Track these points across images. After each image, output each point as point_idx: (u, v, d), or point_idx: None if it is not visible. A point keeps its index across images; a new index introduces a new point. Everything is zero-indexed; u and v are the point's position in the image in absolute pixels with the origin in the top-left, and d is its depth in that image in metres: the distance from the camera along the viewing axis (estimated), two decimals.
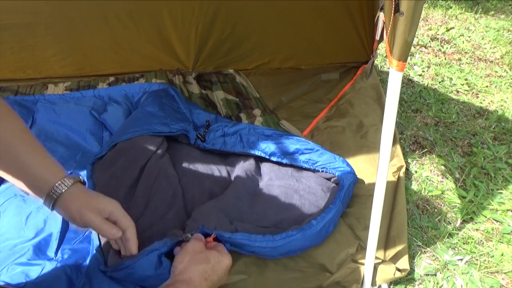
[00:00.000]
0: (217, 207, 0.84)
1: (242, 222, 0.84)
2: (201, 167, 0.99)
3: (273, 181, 0.98)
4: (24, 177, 0.62)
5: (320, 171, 1.00)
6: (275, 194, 0.95)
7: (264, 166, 1.04)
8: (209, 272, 0.65)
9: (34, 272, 0.73)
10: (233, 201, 0.89)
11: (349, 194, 0.96)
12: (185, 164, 0.98)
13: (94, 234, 0.80)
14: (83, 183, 0.69)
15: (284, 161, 1.01)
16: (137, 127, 0.96)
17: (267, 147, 1.02)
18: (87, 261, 0.76)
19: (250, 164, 1.02)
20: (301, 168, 1.03)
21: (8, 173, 0.63)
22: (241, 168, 1.01)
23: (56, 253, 0.78)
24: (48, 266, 0.74)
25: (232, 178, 1.00)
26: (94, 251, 0.77)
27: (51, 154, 0.66)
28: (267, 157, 1.02)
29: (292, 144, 1.03)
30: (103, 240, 0.76)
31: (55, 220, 0.83)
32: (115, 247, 0.74)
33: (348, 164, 0.99)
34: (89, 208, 0.64)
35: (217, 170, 1.00)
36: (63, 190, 0.62)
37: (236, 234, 0.77)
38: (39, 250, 0.77)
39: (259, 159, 1.06)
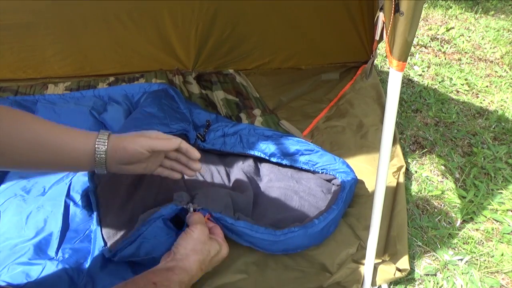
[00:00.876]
0: (227, 195, 0.85)
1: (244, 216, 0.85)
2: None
3: (273, 182, 0.98)
4: (65, 160, 0.63)
5: (320, 172, 1.00)
6: (274, 195, 0.95)
7: (264, 167, 1.04)
8: (207, 263, 0.68)
9: (35, 271, 0.73)
10: (240, 196, 0.89)
11: (351, 196, 0.96)
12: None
13: (94, 233, 0.80)
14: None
15: (284, 162, 1.01)
16: (137, 127, 0.96)
17: (267, 147, 1.02)
18: (88, 261, 0.76)
19: (249, 165, 1.02)
20: (300, 170, 1.03)
21: (49, 165, 0.64)
22: (240, 169, 1.01)
23: (56, 252, 0.78)
24: (49, 266, 0.74)
25: (231, 178, 1.00)
26: (95, 247, 0.78)
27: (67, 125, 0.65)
28: (267, 158, 1.02)
29: (292, 145, 1.02)
30: (105, 234, 0.77)
31: (55, 220, 0.84)
32: (166, 174, 0.75)
33: (348, 166, 0.99)
34: (141, 136, 0.67)
35: (216, 170, 1.00)
36: (106, 146, 0.63)
37: (239, 222, 0.78)
38: (40, 249, 0.77)
39: (258, 160, 1.06)
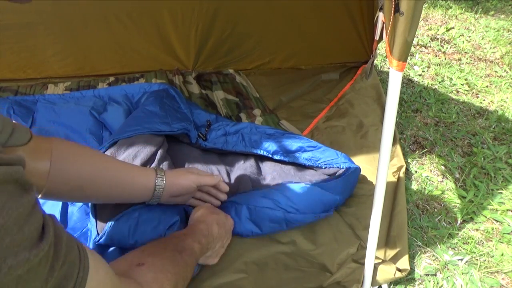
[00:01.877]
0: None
1: None
2: (200, 167, 0.99)
3: (276, 180, 0.98)
4: (126, 193, 0.73)
5: (323, 167, 1.01)
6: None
7: (266, 165, 1.04)
8: (220, 221, 0.79)
9: None
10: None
11: (354, 180, 0.98)
12: (184, 164, 0.99)
13: (91, 231, 0.81)
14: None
15: (287, 159, 1.01)
16: (138, 125, 0.96)
17: (269, 145, 1.02)
18: None
19: (251, 165, 1.02)
20: (303, 167, 1.03)
21: (112, 199, 0.74)
22: (242, 168, 1.01)
23: None
24: None
25: (231, 178, 1.00)
26: (90, 244, 0.78)
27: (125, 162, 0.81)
28: (269, 155, 1.02)
29: (294, 142, 1.03)
30: (99, 228, 0.79)
31: None
32: (196, 203, 0.87)
33: (350, 160, 1.00)
34: (190, 173, 0.81)
35: (217, 170, 1.00)
36: (164, 182, 0.75)
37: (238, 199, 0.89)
38: None
39: (259, 159, 1.06)
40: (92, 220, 0.81)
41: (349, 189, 0.98)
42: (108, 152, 0.92)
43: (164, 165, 0.91)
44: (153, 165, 0.94)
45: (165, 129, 0.98)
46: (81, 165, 0.65)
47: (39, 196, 0.61)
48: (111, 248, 0.78)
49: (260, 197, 0.87)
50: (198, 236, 0.71)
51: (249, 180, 0.97)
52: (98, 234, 0.78)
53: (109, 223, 0.76)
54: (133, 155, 0.89)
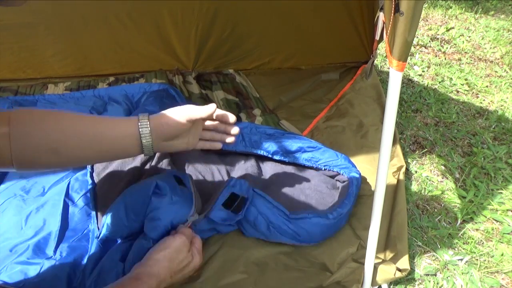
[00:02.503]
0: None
1: None
2: (200, 167, 0.99)
3: (279, 179, 0.98)
4: (110, 148, 0.66)
5: (323, 169, 1.01)
6: (281, 194, 0.95)
7: (266, 166, 1.04)
8: (177, 272, 0.68)
9: (33, 271, 0.73)
10: None
11: (358, 191, 0.97)
12: (183, 164, 0.99)
13: (92, 232, 0.81)
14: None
15: (287, 159, 1.01)
16: None
17: (269, 146, 1.02)
18: (85, 259, 0.77)
19: (251, 164, 1.02)
20: (304, 167, 1.03)
21: (101, 157, 0.69)
22: (242, 168, 1.01)
23: (55, 251, 0.78)
24: (47, 265, 0.74)
25: (233, 176, 1.00)
26: (92, 246, 0.78)
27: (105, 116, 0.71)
28: (270, 156, 1.02)
29: (294, 143, 1.03)
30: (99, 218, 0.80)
31: (54, 219, 0.84)
32: (208, 146, 0.79)
33: (350, 161, 1.00)
34: (178, 110, 0.70)
35: (217, 170, 1.00)
36: (149, 129, 0.67)
37: (260, 191, 0.84)
38: (38, 249, 0.77)
39: (260, 159, 1.06)
40: (94, 217, 0.82)
41: (356, 198, 0.98)
42: None
43: (164, 162, 0.91)
44: (153, 163, 0.93)
45: None
46: (49, 125, 0.60)
47: (14, 168, 0.58)
48: (116, 244, 0.78)
49: (284, 223, 0.83)
50: None
51: (251, 179, 0.96)
52: (98, 229, 0.79)
53: (106, 215, 0.77)
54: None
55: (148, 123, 0.67)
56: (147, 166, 0.95)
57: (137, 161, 0.92)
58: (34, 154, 0.60)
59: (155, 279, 0.63)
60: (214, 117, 0.76)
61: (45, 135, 0.60)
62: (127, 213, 0.77)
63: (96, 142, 0.64)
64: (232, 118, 0.76)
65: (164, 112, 0.70)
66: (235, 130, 0.78)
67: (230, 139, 0.79)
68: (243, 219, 0.85)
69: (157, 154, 0.91)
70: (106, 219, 0.77)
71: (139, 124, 0.66)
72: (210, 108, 0.71)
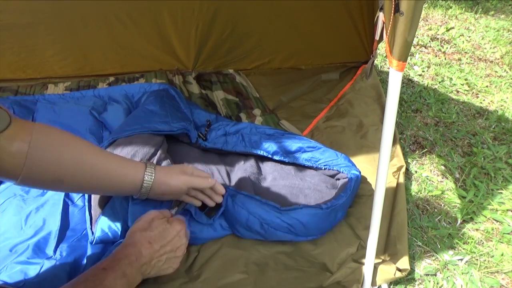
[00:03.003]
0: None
1: None
2: (200, 167, 0.99)
3: (277, 180, 0.98)
4: (112, 185, 0.70)
5: (323, 168, 1.01)
6: (281, 194, 0.95)
7: (266, 166, 1.04)
8: (154, 237, 0.68)
9: (33, 270, 0.73)
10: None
11: (357, 188, 0.97)
12: (184, 164, 0.99)
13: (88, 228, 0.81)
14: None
15: (287, 160, 1.01)
16: (138, 124, 0.96)
17: (269, 146, 1.02)
18: (85, 259, 0.77)
19: (251, 165, 1.02)
20: (303, 167, 1.03)
21: (97, 191, 0.74)
22: (242, 169, 1.01)
23: (55, 251, 0.78)
24: (47, 264, 0.74)
25: (231, 178, 1.00)
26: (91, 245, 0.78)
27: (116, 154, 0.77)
28: (269, 156, 1.02)
29: (294, 143, 1.03)
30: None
31: (54, 219, 0.84)
32: (188, 201, 0.82)
33: (350, 161, 1.00)
34: (183, 174, 0.76)
35: (216, 170, 1.00)
36: (153, 178, 0.72)
37: (247, 193, 0.86)
38: (38, 248, 0.77)
39: (260, 159, 1.06)
40: (88, 221, 0.82)
41: (353, 199, 0.98)
42: (108, 150, 0.92)
43: (164, 164, 0.91)
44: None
45: (165, 128, 0.98)
46: (62, 153, 0.62)
47: (14, 182, 0.59)
48: (115, 244, 0.78)
49: (276, 217, 0.83)
50: (122, 268, 0.61)
51: (250, 182, 0.96)
52: (92, 233, 0.79)
53: (98, 219, 0.78)
54: (132, 154, 0.89)
55: (153, 175, 0.72)
56: None
57: (134, 159, 0.91)
58: (42, 177, 0.61)
59: (132, 247, 0.65)
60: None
61: (58, 161, 0.61)
62: (117, 218, 0.78)
63: (102, 179, 0.68)
64: (221, 191, 0.83)
65: (171, 169, 0.77)
66: (219, 200, 0.84)
67: (210, 203, 0.84)
68: (236, 222, 0.85)
69: (156, 156, 0.91)
70: (99, 223, 0.77)
71: (145, 173, 0.72)
72: (209, 184, 0.79)
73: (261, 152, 1.02)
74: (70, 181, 0.64)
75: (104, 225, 0.79)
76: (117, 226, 0.78)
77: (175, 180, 0.75)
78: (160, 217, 0.72)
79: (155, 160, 0.92)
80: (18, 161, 0.57)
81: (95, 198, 0.84)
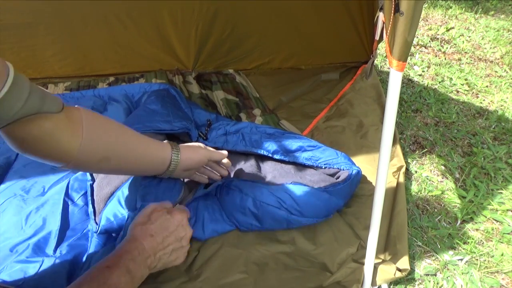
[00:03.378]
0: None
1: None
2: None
3: (277, 179, 0.98)
4: (145, 165, 0.76)
5: (323, 167, 1.01)
6: None
7: (266, 165, 1.04)
8: (155, 229, 0.69)
9: (33, 269, 0.73)
10: None
11: (356, 183, 0.98)
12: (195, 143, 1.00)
13: (92, 232, 0.81)
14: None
15: (287, 159, 1.01)
16: (139, 123, 0.96)
17: (270, 145, 1.02)
18: (85, 258, 0.77)
19: (251, 164, 1.02)
20: (303, 166, 1.03)
21: (133, 171, 0.78)
22: (242, 169, 1.01)
23: (55, 250, 0.78)
24: (47, 263, 0.74)
25: (232, 176, 1.00)
26: (92, 244, 0.79)
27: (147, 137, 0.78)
28: (270, 155, 1.02)
29: (294, 142, 1.03)
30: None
31: (54, 219, 0.84)
32: (197, 178, 0.91)
33: (350, 159, 1.00)
34: (200, 148, 0.84)
35: None
36: (178, 158, 0.78)
37: (240, 179, 0.91)
38: (38, 248, 0.77)
39: (260, 158, 1.06)
40: (91, 213, 0.82)
41: (352, 192, 0.99)
42: None
43: None
44: None
45: (166, 127, 0.98)
46: (109, 137, 0.66)
47: (67, 166, 0.62)
48: (114, 243, 0.79)
49: (268, 193, 0.87)
50: (125, 264, 0.60)
51: (251, 179, 0.97)
52: (97, 223, 0.79)
53: (104, 209, 0.79)
54: None
55: (179, 154, 0.78)
56: None
57: None
58: (92, 159, 0.64)
59: (133, 240, 0.65)
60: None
61: (105, 145, 0.66)
62: (123, 203, 0.79)
63: (139, 158, 0.73)
64: (228, 163, 0.92)
65: (190, 146, 0.83)
66: (225, 172, 0.93)
67: (216, 177, 0.92)
68: (232, 207, 0.87)
69: None
70: (104, 212, 0.78)
71: (172, 152, 0.77)
72: (225, 154, 0.89)
73: (261, 151, 1.02)
74: (115, 160, 0.68)
75: (110, 213, 0.79)
76: (122, 214, 0.79)
77: (197, 154, 0.82)
78: (159, 209, 0.73)
79: None
80: (74, 141, 0.60)
81: (98, 192, 0.84)
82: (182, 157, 0.78)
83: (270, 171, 1.02)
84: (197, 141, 1.06)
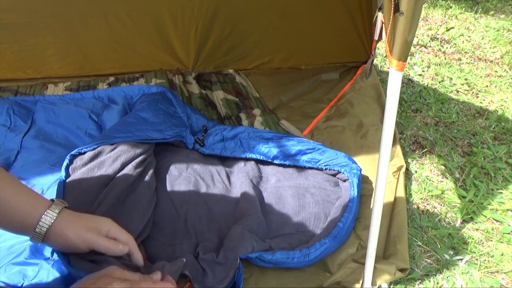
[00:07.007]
0: (246, 229, 0.81)
1: (270, 237, 0.85)
2: (200, 169, 0.98)
3: (282, 182, 0.98)
4: (9, 220, 0.58)
5: (324, 169, 1.01)
6: (287, 195, 0.95)
7: (268, 168, 1.04)
8: None
9: (31, 271, 0.72)
10: (257, 217, 0.86)
11: (360, 187, 0.97)
12: (183, 166, 0.97)
13: None
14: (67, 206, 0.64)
15: (287, 163, 1.01)
16: (129, 132, 0.94)
17: (269, 151, 1.02)
18: None
19: (252, 168, 1.01)
20: (304, 168, 1.03)
21: None
22: (243, 171, 1.00)
23: (52, 253, 0.77)
24: (45, 266, 0.74)
25: (231, 180, 0.99)
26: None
27: (28, 187, 0.63)
28: (269, 160, 1.02)
29: (293, 146, 1.02)
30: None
31: None
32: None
33: (350, 158, 1.00)
34: (89, 230, 0.62)
35: (216, 172, 0.99)
36: (52, 221, 0.58)
37: (276, 254, 0.77)
38: (36, 249, 0.77)
39: (260, 161, 1.06)
40: None
41: (360, 194, 0.97)
42: (91, 153, 0.88)
43: (145, 169, 0.89)
44: (137, 170, 0.88)
45: (157, 136, 0.97)
46: None
47: None
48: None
49: (285, 260, 0.79)
50: None
51: (253, 182, 0.96)
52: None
53: None
54: (114, 157, 0.87)
55: (54, 219, 0.59)
56: (129, 171, 0.87)
57: (117, 163, 0.87)
58: None
59: None
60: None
61: None
62: None
63: (5, 207, 0.57)
64: (139, 261, 0.67)
65: (80, 219, 0.62)
66: (138, 263, 0.68)
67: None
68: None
69: (140, 158, 0.88)
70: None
71: (45, 213, 0.59)
72: (117, 253, 0.64)
73: (260, 157, 1.02)
74: None
75: None
76: None
77: (75, 236, 0.60)
78: (116, 276, 0.55)
79: (135, 163, 0.88)
80: None
81: (68, 202, 0.79)
82: (54, 227, 0.59)
83: (273, 173, 1.01)
84: (193, 148, 1.05)
